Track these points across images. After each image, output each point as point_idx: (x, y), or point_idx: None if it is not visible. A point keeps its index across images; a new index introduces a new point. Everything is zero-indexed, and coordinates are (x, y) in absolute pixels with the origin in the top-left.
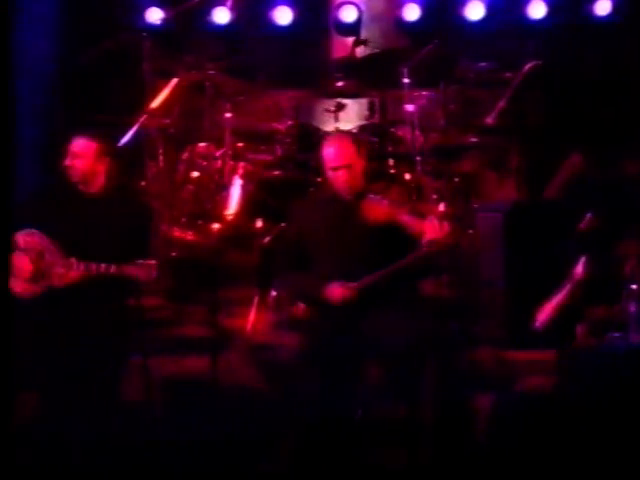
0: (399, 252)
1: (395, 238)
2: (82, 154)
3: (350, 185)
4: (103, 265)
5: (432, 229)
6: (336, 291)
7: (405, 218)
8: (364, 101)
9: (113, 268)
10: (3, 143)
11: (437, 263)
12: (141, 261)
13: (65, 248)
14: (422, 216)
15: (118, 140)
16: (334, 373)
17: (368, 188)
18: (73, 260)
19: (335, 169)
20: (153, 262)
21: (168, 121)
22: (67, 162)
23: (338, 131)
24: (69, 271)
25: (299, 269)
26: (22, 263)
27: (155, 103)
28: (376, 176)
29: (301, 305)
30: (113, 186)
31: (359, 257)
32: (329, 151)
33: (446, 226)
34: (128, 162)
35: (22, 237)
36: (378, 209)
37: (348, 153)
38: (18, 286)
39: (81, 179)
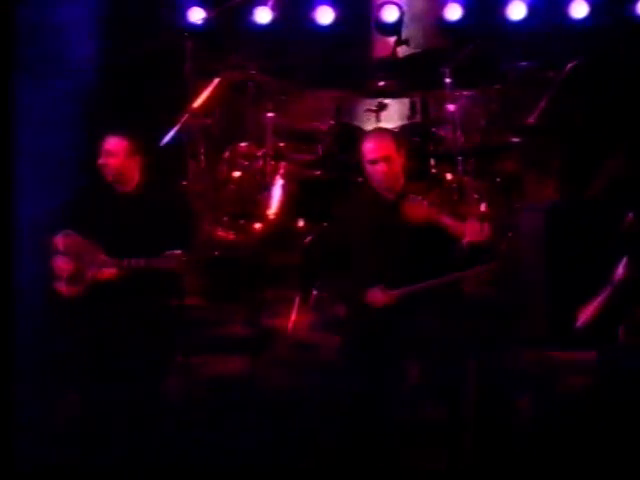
0: (439, 253)
1: (436, 239)
2: (114, 152)
3: (388, 179)
4: (132, 260)
5: (473, 231)
6: (377, 296)
7: (446, 219)
8: (406, 101)
9: (141, 262)
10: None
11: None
12: (168, 252)
13: (103, 247)
14: (463, 218)
15: (159, 140)
16: (375, 373)
17: (409, 188)
18: (106, 257)
19: (373, 162)
20: (178, 252)
21: (210, 121)
22: (101, 161)
23: (378, 128)
24: (104, 269)
25: (341, 269)
26: (62, 265)
27: (197, 103)
28: (417, 176)
29: (342, 305)
30: (148, 184)
31: (400, 258)
32: (368, 144)
33: (487, 228)
34: (167, 161)
35: (60, 239)
36: (419, 210)
37: (386, 145)
38: (61, 287)
39: (115, 177)
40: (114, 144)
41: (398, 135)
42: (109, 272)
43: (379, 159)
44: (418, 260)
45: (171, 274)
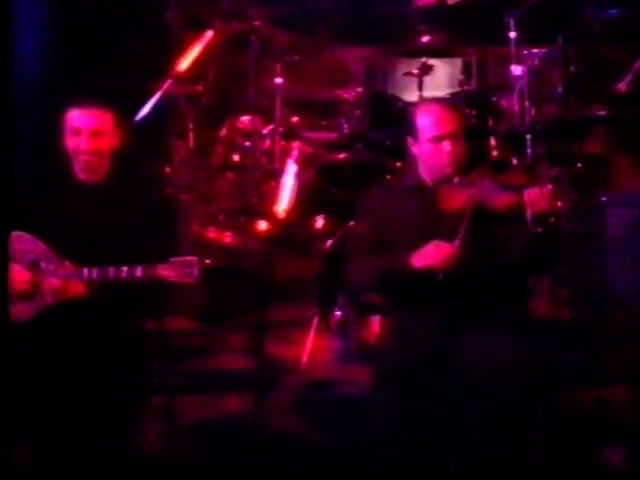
0: (499, 242)
1: (494, 227)
2: (102, 130)
3: (455, 162)
4: (125, 268)
5: (534, 200)
6: (433, 251)
7: (496, 197)
8: (457, 62)
9: (139, 270)
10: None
11: (550, 249)
12: (177, 259)
13: (63, 252)
14: (517, 189)
15: (134, 114)
16: (417, 416)
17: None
18: (71, 266)
19: (438, 139)
20: (194, 259)
21: (200, 88)
22: (85, 145)
23: (433, 98)
24: (71, 281)
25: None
26: (13, 274)
27: (183, 64)
28: (473, 160)
29: (373, 329)
30: (120, 173)
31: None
32: (428, 118)
33: (548, 190)
34: (144, 142)
35: (10, 243)
36: (456, 195)
37: (454, 118)
38: (11, 307)
39: (96, 165)
40: (98, 119)
41: (459, 107)
42: (76, 287)
43: (446, 135)
44: (475, 260)
45: (157, 289)
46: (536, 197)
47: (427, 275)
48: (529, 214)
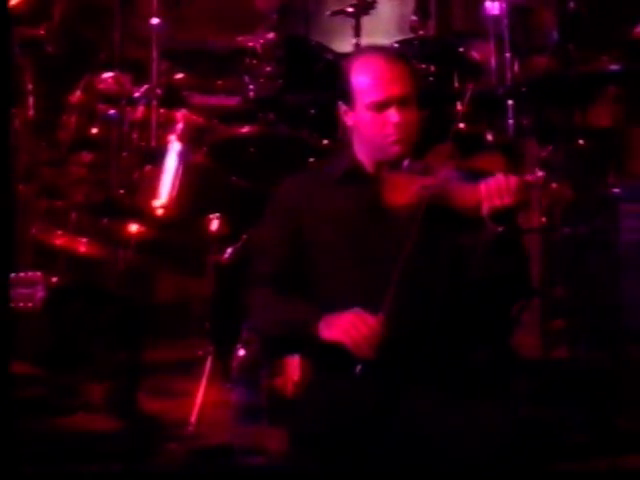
0: (464, 259)
1: (456, 232)
2: None
3: (405, 138)
4: None
5: (492, 189)
6: (347, 327)
7: (460, 190)
8: None
9: None
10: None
11: (519, 259)
12: (12, 275)
13: None
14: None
15: None
16: None
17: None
18: None
19: (381, 106)
20: (37, 275)
21: (43, 32)
22: None
23: (374, 46)
24: None
25: (288, 292)
26: None
27: None
28: (431, 135)
29: (290, 375)
30: None
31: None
32: (366, 77)
33: (514, 182)
34: None
35: None
36: (405, 186)
37: (403, 76)
38: None
39: None
40: None
41: (409, 58)
42: None
43: (391, 100)
44: (424, 272)
45: None
46: (495, 190)
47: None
48: (485, 210)
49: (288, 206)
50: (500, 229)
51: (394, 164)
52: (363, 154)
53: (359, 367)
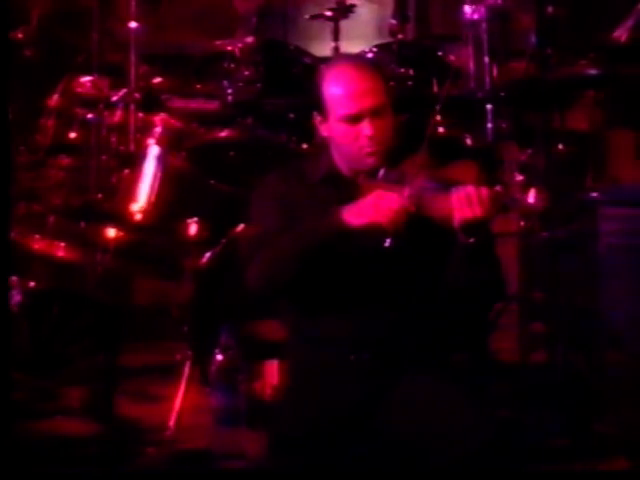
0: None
1: (431, 244)
2: None
3: (379, 150)
4: None
5: (462, 200)
6: (375, 204)
7: (436, 200)
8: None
9: None
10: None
11: (490, 267)
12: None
13: None
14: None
15: None
16: None
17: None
18: None
19: (353, 119)
20: (12, 279)
21: (21, 35)
22: None
23: (346, 55)
24: None
25: (272, 300)
26: None
27: None
28: (408, 141)
29: (269, 379)
30: None
31: (377, 279)
32: (338, 88)
33: (485, 194)
34: None
35: None
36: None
37: (375, 86)
38: None
39: None
40: None
41: (382, 67)
42: None
43: (364, 113)
44: (406, 278)
45: None
46: (465, 200)
47: (366, 242)
48: (456, 221)
49: (281, 190)
50: (471, 240)
51: (370, 173)
52: (340, 161)
53: (389, 240)
